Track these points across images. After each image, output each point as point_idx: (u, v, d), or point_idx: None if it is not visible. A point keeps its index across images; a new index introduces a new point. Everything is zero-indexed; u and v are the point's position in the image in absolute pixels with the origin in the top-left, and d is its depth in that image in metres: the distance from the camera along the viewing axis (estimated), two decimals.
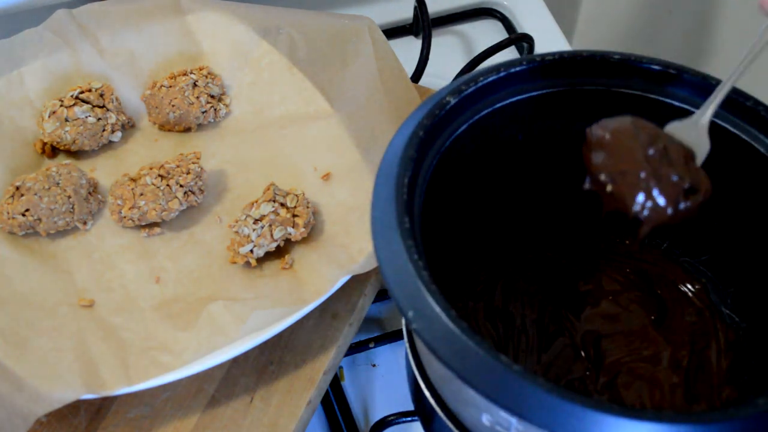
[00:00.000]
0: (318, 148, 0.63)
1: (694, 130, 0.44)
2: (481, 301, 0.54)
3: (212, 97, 0.65)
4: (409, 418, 0.57)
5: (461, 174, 0.49)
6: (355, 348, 0.60)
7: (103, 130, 0.63)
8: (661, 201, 0.42)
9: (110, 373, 0.51)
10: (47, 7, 0.70)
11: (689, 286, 0.55)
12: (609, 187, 0.43)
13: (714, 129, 0.45)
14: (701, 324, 0.53)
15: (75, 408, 0.53)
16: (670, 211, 0.42)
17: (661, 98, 0.48)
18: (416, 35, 0.80)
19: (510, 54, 0.78)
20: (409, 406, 0.55)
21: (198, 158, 0.60)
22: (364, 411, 0.59)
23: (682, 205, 0.42)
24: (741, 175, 0.48)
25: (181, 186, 0.58)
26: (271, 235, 0.56)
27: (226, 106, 0.66)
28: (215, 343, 0.52)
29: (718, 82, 0.46)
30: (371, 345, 0.61)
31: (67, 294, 0.56)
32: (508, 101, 0.47)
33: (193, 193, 0.59)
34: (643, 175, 0.42)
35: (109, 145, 0.65)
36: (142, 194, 0.58)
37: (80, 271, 0.58)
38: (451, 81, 0.52)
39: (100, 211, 0.61)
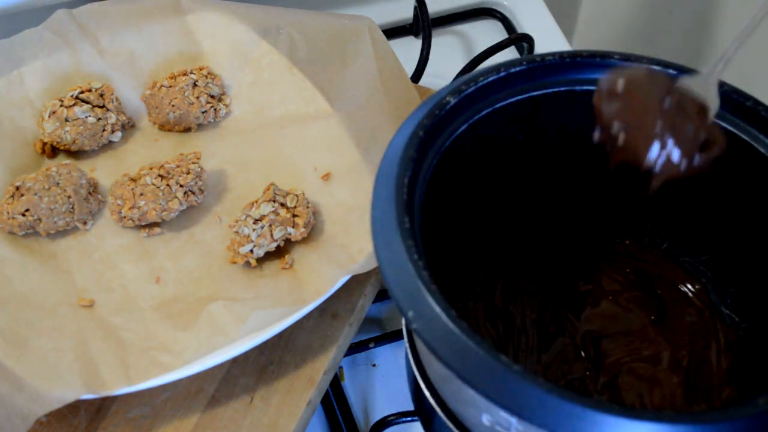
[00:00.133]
0: (318, 148, 0.63)
1: (704, 87, 0.43)
2: (481, 301, 0.54)
3: (212, 97, 0.65)
4: (409, 418, 0.57)
5: (461, 174, 0.49)
6: (355, 348, 0.60)
7: (103, 130, 0.63)
8: (676, 154, 0.41)
9: (110, 373, 0.51)
10: (47, 7, 0.70)
11: (689, 286, 0.55)
12: (621, 138, 0.41)
13: None
14: (701, 324, 0.53)
15: (75, 408, 0.53)
16: (684, 165, 0.41)
17: None
18: (416, 35, 0.80)
19: (510, 54, 0.78)
20: (409, 406, 0.55)
21: (198, 158, 0.60)
22: (364, 411, 0.59)
23: (696, 160, 0.41)
24: (741, 175, 0.48)
25: (181, 186, 0.58)
26: (271, 235, 0.56)
27: (226, 106, 0.66)
28: (215, 343, 0.52)
29: None
30: (371, 345, 0.61)
31: (67, 294, 0.56)
32: (508, 101, 0.47)
33: (193, 193, 0.59)
34: (659, 125, 0.41)
35: (109, 145, 0.65)
36: (142, 194, 0.58)
37: (80, 271, 0.58)
38: (451, 81, 0.52)
39: (100, 211, 0.61)
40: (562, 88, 0.48)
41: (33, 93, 0.64)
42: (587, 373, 0.52)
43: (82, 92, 0.63)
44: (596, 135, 0.43)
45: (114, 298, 0.56)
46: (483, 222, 0.54)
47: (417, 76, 0.72)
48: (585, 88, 0.48)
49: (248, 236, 0.56)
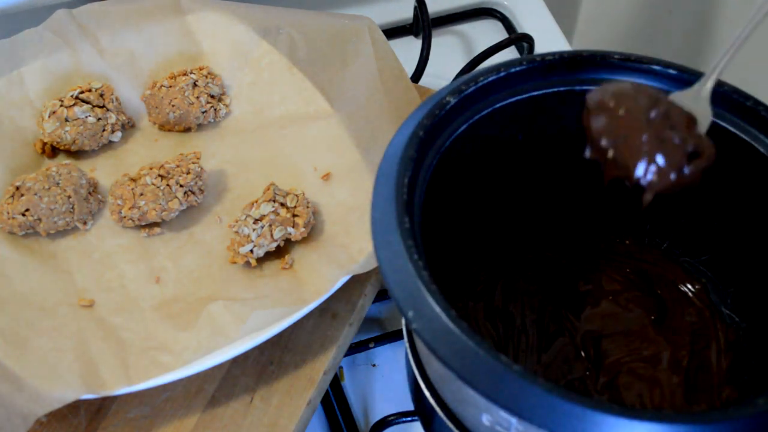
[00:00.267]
0: (318, 148, 0.63)
1: (695, 100, 0.43)
2: (481, 301, 0.54)
3: (212, 97, 0.65)
4: (409, 418, 0.57)
5: (461, 174, 0.49)
6: (355, 348, 0.60)
7: (103, 130, 0.63)
8: (664, 165, 0.41)
9: (110, 373, 0.51)
10: (47, 7, 0.70)
11: (689, 286, 0.55)
12: (610, 153, 0.42)
13: (714, 129, 0.45)
14: (701, 324, 0.53)
15: (75, 408, 0.53)
16: (673, 176, 0.41)
17: None
18: (416, 35, 0.80)
19: (510, 54, 0.78)
20: (409, 406, 0.55)
21: (198, 158, 0.60)
22: (364, 411, 0.59)
23: (686, 170, 0.41)
24: (741, 175, 0.48)
25: (181, 186, 0.58)
26: (271, 235, 0.56)
27: (226, 106, 0.66)
28: (215, 343, 0.52)
29: None
30: (371, 345, 0.61)
31: (67, 294, 0.56)
32: (508, 101, 0.47)
33: (193, 193, 0.59)
34: (645, 138, 0.41)
35: (109, 145, 0.65)
36: (142, 194, 0.58)
37: (80, 271, 0.58)
38: (451, 81, 0.52)
39: (100, 211, 0.61)
40: (561, 88, 0.48)
41: (33, 93, 0.64)
42: (587, 373, 0.52)
43: (82, 92, 0.63)
44: (587, 152, 0.43)
45: (114, 298, 0.56)
46: (483, 222, 0.54)
47: (417, 76, 0.72)
48: (585, 88, 0.48)
49: (248, 236, 0.56)
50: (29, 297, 0.55)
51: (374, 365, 0.61)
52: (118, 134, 0.64)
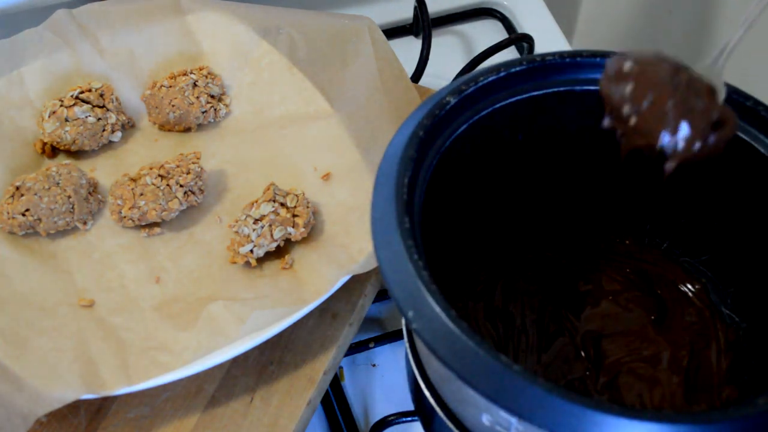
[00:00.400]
0: (318, 148, 0.63)
1: (709, 74, 0.42)
2: (481, 301, 0.54)
3: (212, 97, 0.65)
4: (409, 418, 0.57)
5: (461, 174, 0.49)
6: (355, 348, 0.60)
7: (103, 130, 0.63)
8: (689, 132, 0.40)
9: (110, 373, 0.51)
10: (47, 7, 0.70)
11: (689, 286, 0.55)
12: (633, 120, 0.40)
13: None
14: (701, 324, 0.53)
15: (75, 408, 0.53)
16: (698, 144, 0.40)
17: None
18: (416, 35, 0.80)
19: (510, 54, 0.78)
20: (409, 406, 0.55)
21: (198, 158, 0.60)
22: (364, 411, 0.59)
23: (710, 139, 0.40)
24: (741, 175, 0.48)
25: (181, 186, 0.58)
26: (271, 235, 0.56)
27: (226, 106, 0.66)
28: (215, 343, 0.52)
29: None
30: (371, 345, 0.61)
31: (67, 294, 0.56)
32: (508, 101, 0.47)
33: (193, 193, 0.59)
34: (670, 104, 0.40)
35: (109, 145, 0.65)
36: (142, 194, 0.58)
37: (80, 271, 0.58)
38: (451, 81, 0.52)
39: (100, 211, 0.61)
40: (562, 88, 0.48)
41: (33, 93, 0.64)
42: (587, 373, 0.52)
43: (82, 92, 0.63)
44: (606, 121, 0.42)
45: (114, 298, 0.56)
46: (483, 222, 0.54)
47: (417, 76, 0.72)
48: (585, 88, 0.48)
49: (248, 236, 0.56)
50: (29, 297, 0.55)
51: (374, 365, 0.61)
52: (118, 134, 0.64)
